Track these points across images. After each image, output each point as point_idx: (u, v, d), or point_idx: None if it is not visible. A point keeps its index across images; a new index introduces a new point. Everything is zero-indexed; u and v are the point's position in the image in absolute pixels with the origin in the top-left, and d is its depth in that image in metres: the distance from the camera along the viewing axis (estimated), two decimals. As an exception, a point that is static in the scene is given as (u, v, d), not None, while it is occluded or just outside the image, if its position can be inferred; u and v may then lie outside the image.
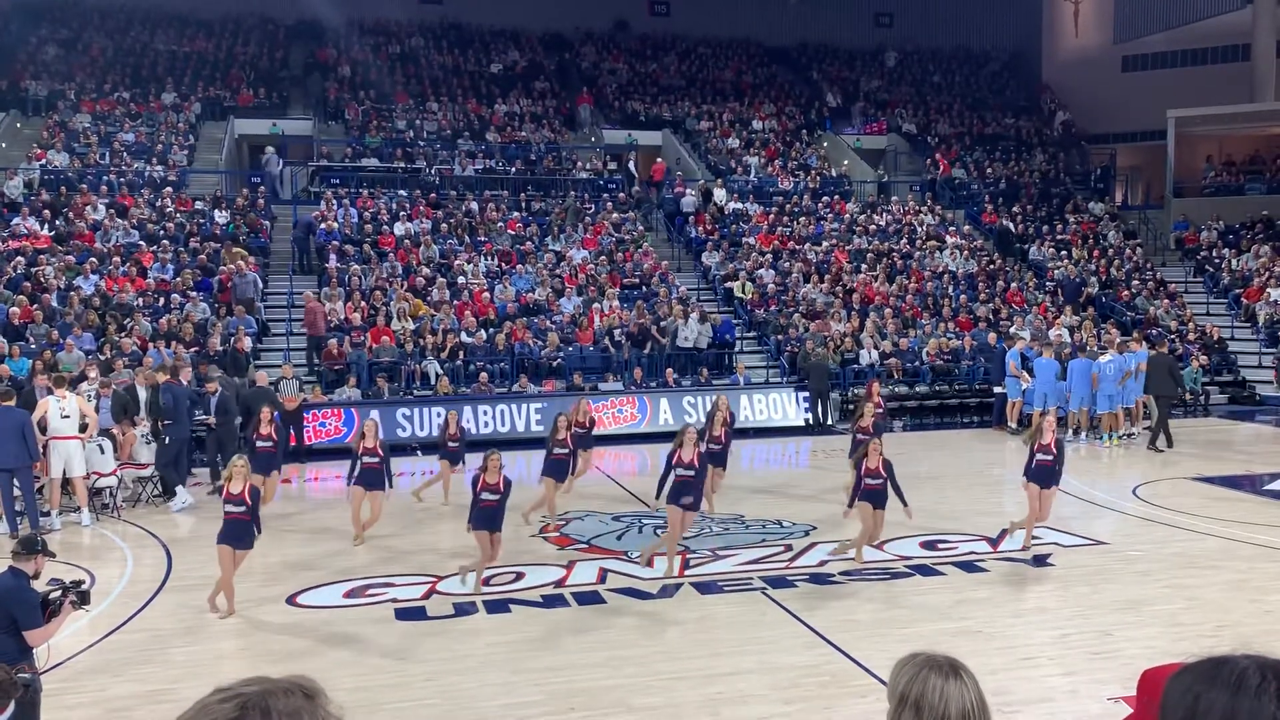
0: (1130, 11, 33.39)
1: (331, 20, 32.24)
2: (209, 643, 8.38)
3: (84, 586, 5.91)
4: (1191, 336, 23.49)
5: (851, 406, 20.68)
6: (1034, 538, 11.18)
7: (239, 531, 8.88)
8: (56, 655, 7.99)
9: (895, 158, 32.43)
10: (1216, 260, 27.57)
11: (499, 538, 9.63)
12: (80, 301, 19.28)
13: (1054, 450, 10.74)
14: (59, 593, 5.71)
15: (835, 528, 11.82)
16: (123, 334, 18.40)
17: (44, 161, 24.67)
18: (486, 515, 9.50)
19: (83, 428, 12.81)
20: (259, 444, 12.63)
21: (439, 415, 18.09)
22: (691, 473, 10.12)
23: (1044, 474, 10.73)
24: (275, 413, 13.43)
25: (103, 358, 16.97)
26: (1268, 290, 24.95)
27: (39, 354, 16.78)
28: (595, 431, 18.29)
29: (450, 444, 13.57)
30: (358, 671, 7.74)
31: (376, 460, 11.44)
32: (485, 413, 18.31)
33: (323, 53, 32.11)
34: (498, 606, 9.22)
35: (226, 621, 8.92)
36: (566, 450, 12.60)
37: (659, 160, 30.37)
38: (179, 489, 13.55)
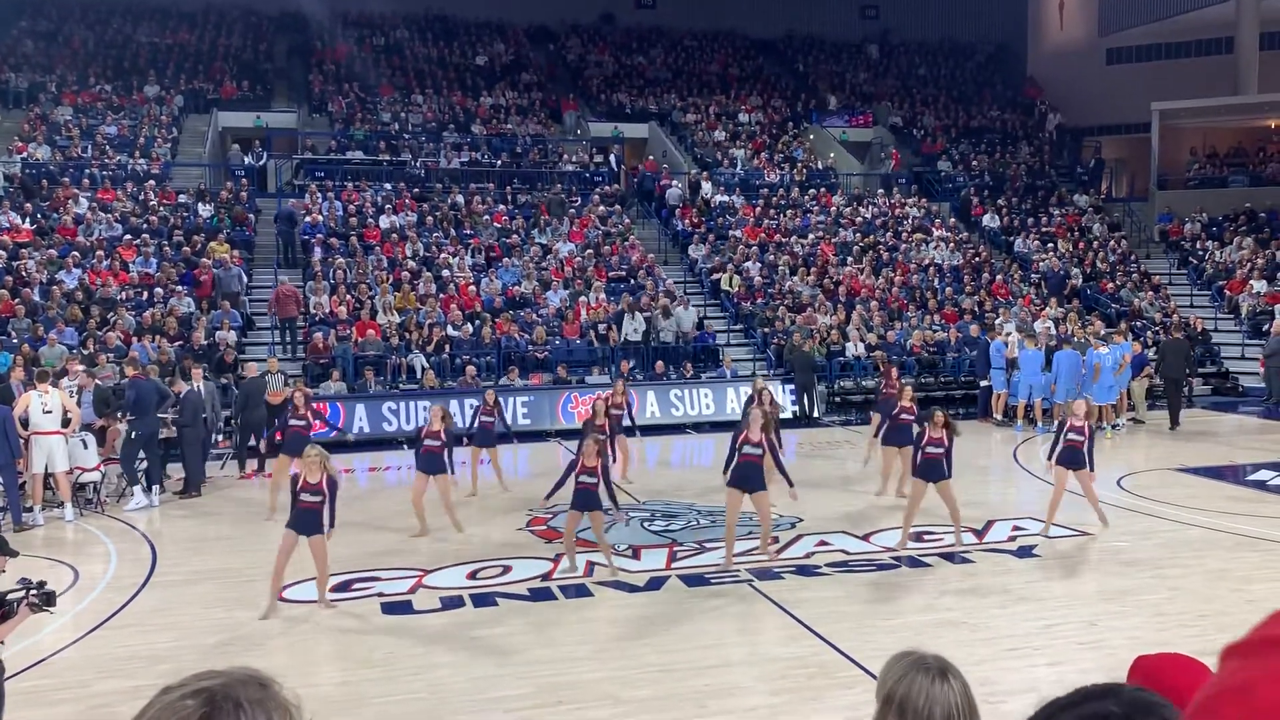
0: (1114, 4, 33.47)
1: (316, 12, 32.06)
2: (193, 638, 8.33)
3: (48, 588, 5.82)
4: (1175, 328, 23.59)
5: (838, 399, 20.81)
6: (1019, 529, 11.25)
7: (310, 520, 8.78)
8: (39, 652, 7.95)
9: (881, 150, 32.49)
10: (1200, 252, 27.71)
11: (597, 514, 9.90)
12: (63, 295, 19.14)
13: (1085, 433, 10.93)
14: (21, 593, 5.62)
15: (819, 520, 11.84)
16: (106, 328, 18.27)
17: (25, 155, 24.45)
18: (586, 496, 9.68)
19: (65, 423, 12.72)
20: (293, 423, 12.71)
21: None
22: (759, 452, 9.97)
23: (1072, 456, 10.90)
24: (308, 396, 13.46)
25: (85, 352, 16.86)
26: (1250, 282, 25.09)
27: (20, 348, 16.67)
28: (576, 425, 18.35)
29: (485, 419, 13.83)
30: (344, 666, 7.72)
31: (439, 444, 11.41)
32: (471, 405, 18.24)
33: (317, 52, 31.89)
34: (484, 600, 9.20)
35: (211, 616, 8.88)
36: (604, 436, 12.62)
37: (649, 158, 30.33)
38: (136, 489, 13.26)
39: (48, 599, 5.62)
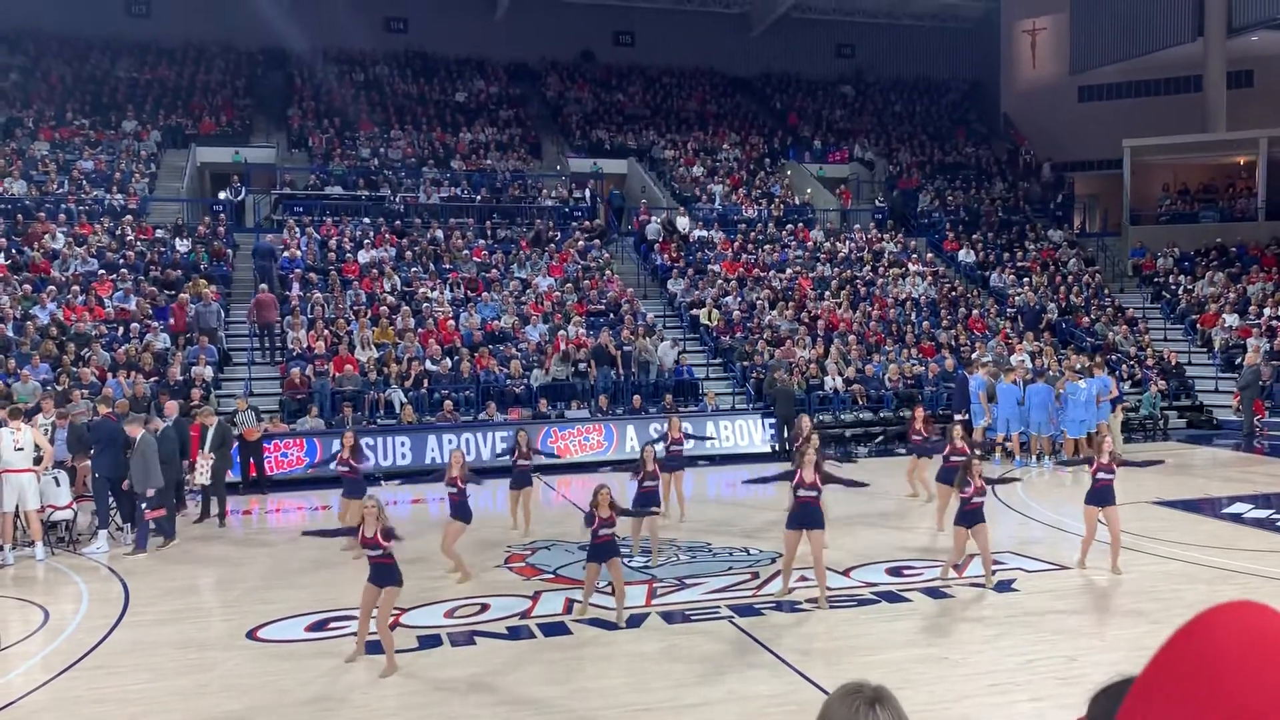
0: (1086, 43, 34.08)
1: (296, 48, 32.16)
2: (166, 680, 8.20)
3: None
4: (1150, 362, 23.85)
5: (817, 433, 20.79)
6: (998, 563, 11.24)
7: (385, 573, 8.38)
8: (9, 694, 7.80)
9: (857, 186, 32.82)
10: (1173, 286, 28.04)
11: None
12: (36, 331, 18.96)
13: (1114, 469, 10.92)
14: None
15: (798, 557, 11.79)
16: (81, 364, 18.10)
17: (1, 190, 24.31)
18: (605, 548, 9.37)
19: (37, 460, 12.56)
20: (339, 469, 12.52)
21: (403, 444, 18.02)
22: (814, 494, 10.00)
23: (1105, 494, 10.87)
24: (354, 439, 12.84)
25: (60, 388, 16.68)
26: (1223, 316, 25.40)
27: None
28: (564, 460, 18.27)
29: (521, 463, 13.35)
30: (321, 707, 7.60)
31: (457, 491, 11.13)
32: (450, 441, 18.18)
33: (296, 87, 31.96)
34: (462, 639, 9.11)
35: (186, 657, 8.74)
36: (655, 482, 12.13)
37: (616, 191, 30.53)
38: (102, 533, 12.95)
39: None
